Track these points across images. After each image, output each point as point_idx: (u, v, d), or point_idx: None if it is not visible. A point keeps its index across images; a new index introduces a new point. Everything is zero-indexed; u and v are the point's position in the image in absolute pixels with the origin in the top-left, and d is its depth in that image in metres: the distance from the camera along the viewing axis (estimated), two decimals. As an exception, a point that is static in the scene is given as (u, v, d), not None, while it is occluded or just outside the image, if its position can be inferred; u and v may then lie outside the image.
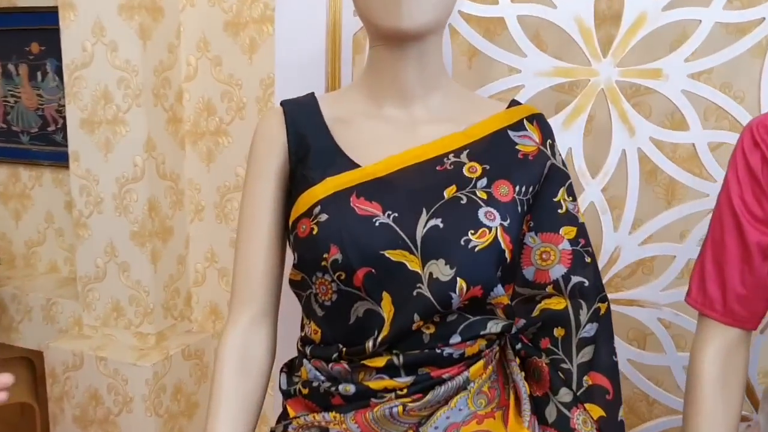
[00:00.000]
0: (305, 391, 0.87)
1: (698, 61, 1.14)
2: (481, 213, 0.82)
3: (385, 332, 0.80)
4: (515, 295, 0.91)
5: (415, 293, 0.79)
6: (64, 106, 1.91)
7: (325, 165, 0.87)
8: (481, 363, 0.84)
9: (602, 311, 0.91)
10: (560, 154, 0.95)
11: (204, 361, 2.05)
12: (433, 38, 0.89)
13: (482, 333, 0.83)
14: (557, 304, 0.90)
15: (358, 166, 0.86)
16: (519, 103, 0.97)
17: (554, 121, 1.16)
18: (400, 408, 0.80)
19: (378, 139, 0.89)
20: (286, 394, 0.91)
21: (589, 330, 0.90)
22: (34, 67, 2.13)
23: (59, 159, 2.11)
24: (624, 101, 1.17)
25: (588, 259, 0.92)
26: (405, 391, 0.81)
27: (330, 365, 0.85)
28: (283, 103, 0.94)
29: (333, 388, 0.84)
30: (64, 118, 1.99)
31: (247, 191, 0.93)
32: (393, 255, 0.80)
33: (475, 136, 0.90)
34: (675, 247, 1.21)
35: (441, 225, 0.80)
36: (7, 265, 2.31)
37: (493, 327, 0.84)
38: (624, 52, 1.15)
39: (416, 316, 0.79)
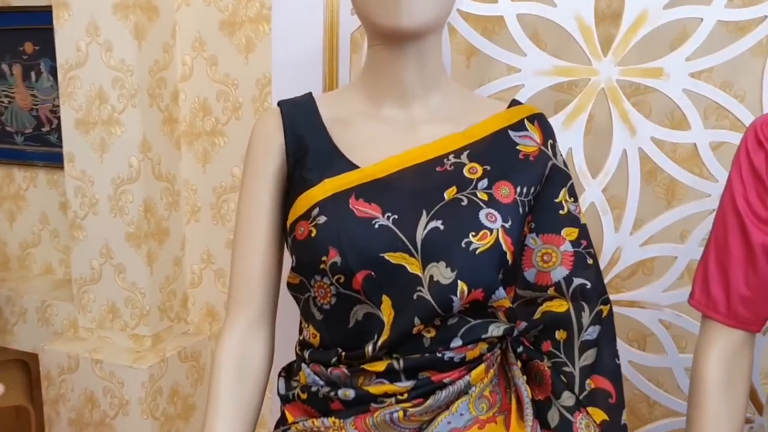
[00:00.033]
0: (304, 396, 0.86)
1: (699, 60, 1.13)
2: (482, 215, 0.81)
3: (385, 336, 0.79)
4: (516, 298, 0.90)
5: (415, 296, 0.78)
6: (58, 106, 1.89)
7: (324, 166, 0.85)
8: (482, 367, 0.83)
9: (604, 313, 0.90)
10: (561, 155, 0.94)
11: (201, 363, 2.04)
12: (433, 37, 0.87)
13: (484, 336, 0.82)
14: (559, 306, 0.89)
15: (356, 167, 0.85)
16: (519, 103, 0.95)
17: (554, 121, 1.14)
18: (401, 413, 0.79)
19: (377, 139, 0.88)
20: (285, 399, 0.90)
21: (592, 333, 0.89)
22: (28, 67, 2.12)
23: (54, 160, 2.09)
24: (625, 101, 1.16)
25: (590, 261, 0.90)
26: (405, 395, 0.80)
27: (329, 370, 0.83)
28: (281, 104, 0.93)
29: (332, 393, 0.83)
30: (58, 118, 1.97)
31: (244, 193, 0.91)
32: (393, 258, 0.78)
33: (475, 137, 0.89)
34: (676, 248, 1.20)
35: (441, 227, 0.79)
36: (1, 267, 2.29)
37: (495, 330, 0.83)
38: (625, 50, 1.14)
39: (417, 320, 0.78)
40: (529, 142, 0.90)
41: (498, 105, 0.95)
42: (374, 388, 0.81)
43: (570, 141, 1.18)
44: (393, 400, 0.80)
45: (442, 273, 0.78)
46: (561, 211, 0.90)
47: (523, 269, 0.90)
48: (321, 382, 0.85)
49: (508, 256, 0.81)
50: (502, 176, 0.85)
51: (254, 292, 0.90)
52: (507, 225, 0.81)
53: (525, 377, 0.89)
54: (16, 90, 2.15)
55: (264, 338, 0.91)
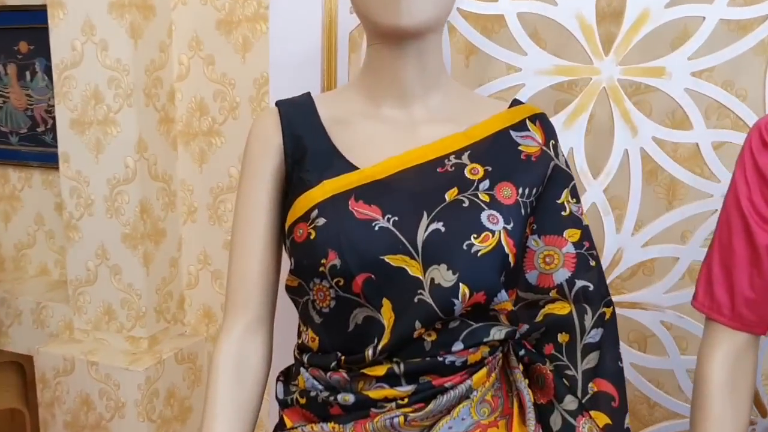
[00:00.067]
0: (303, 401, 0.85)
1: (702, 59, 1.12)
2: (483, 216, 0.79)
3: (385, 340, 0.78)
4: (518, 300, 0.89)
5: (416, 300, 0.77)
6: (53, 106, 1.89)
7: (323, 167, 0.84)
8: (484, 371, 0.82)
9: (607, 316, 0.89)
10: (563, 155, 0.93)
11: (197, 364, 2.02)
12: (433, 36, 0.86)
13: (485, 340, 0.81)
14: (561, 308, 0.88)
15: (356, 168, 0.83)
16: (521, 103, 0.94)
17: (555, 121, 1.13)
18: (401, 418, 0.78)
19: (376, 140, 0.87)
20: (283, 404, 0.88)
21: (594, 335, 0.88)
22: (23, 67, 2.10)
23: (49, 160, 2.09)
24: (626, 100, 1.15)
25: (592, 263, 0.89)
26: (406, 400, 0.79)
27: (328, 374, 0.82)
28: (279, 104, 0.92)
29: (331, 398, 0.81)
30: (53, 118, 1.96)
31: (242, 194, 0.90)
32: (393, 260, 0.77)
33: (476, 137, 0.87)
34: (678, 249, 1.19)
35: (442, 229, 0.78)
36: (-4, 268, 2.28)
37: (497, 334, 0.81)
38: (626, 49, 1.13)
39: (417, 323, 0.77)
40: (530, 142, 0.89)
41: (499, 105, 0.94)
42: (374, 393, 0.79)
43: (571, 141, 1.17)
44: (393, 404, 0.79)
45: (443, 276, 0.77)
46: (563, 213, 0.88)
47: (525, 271, 0.88)
48: (320, 387, 0.83)
49: (510, 259, 0.80)
50: (503, 177, 0.84)
51: (252, 295, 0.89)
52: (509, 227, 0.80)
53: (527, 381, 0.88)
54: (11, 90, 2.14)
55: (262, 341, 0.90)
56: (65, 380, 1.92)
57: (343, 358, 0.81)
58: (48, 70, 1.98)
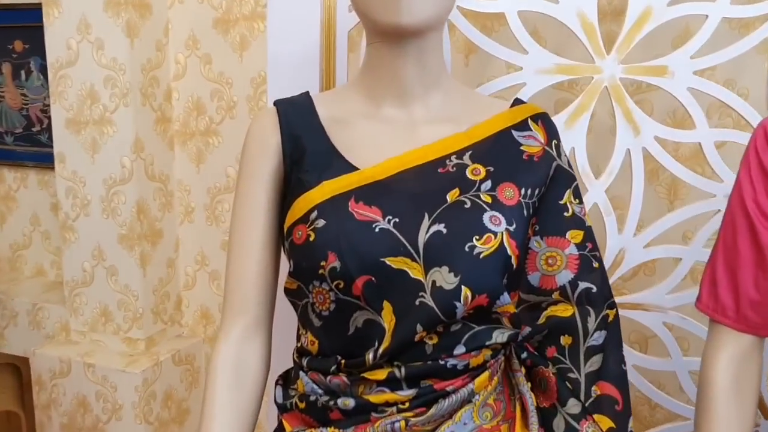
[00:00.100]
0: (302, 405, 0.83)
1: (705, 57, 1.11)
2: (485, 217, 0.78)
3: (386, 343, 0.77)
4: (520, 302, 0.88)
5: (417, 302, 0.75)
6: (49, 105, 1.87)
7: (322, 168, 0.83)
8: (486, 374, 0.81)
9: (611, 318, 0.88)
10: (566, 155, 0.92)
11: (195, 366, 2.01)
12: (434, 35, 0.85)
13: (488, 343, 0.79)
14: (564, 311, 0.87)
15: (356, 168, 0.82)
16: (522, 102, 0.93)
17: (556, 120, 1.11)
18: (402, 423, 0.77)
19: (376, 140, 0.85)
20: (282, 408, 0.87)
21: (598, 338, 0.86)
22: (18, 66, 2.09)
23: (44, 160, 2.07)
24: (628, 99, 1.14)
25: (595, 264, 0.88)
26: (407, 404, 0.78)
27: (328, 378, 0.81)
28: (277, 103, 0.90)
29: (331, 402, 0.80)
30: (49, 118, 1.95)
31: (240, 194, 0.89)
32: (394, 262, 0.76)
33: (477, 137, 0.86)
34: (681, 250, 1.18)
35: (444, 230, 0.77)
36: (-9, 269, 2.26)
37: (499, 337, 0.80)
38: (628, 48, 1.12)
39: (419, 327, 0.76)
40: (533, 142, 0.88)
41: (501, 104, 0.92)
42: (375, 397, 0.78)
43: (572, 141, 1.16)
44: (394, 409, 0.78)
45: (445, 278, 0.75)
46: (566, 213, 0.87)
47: (527, 273, 0.87)
48: (320, 391, 0.82)
49: (513, 260, 0.79)
50: (506, 177, 0.82)
51: (250, 297, 0.87)
52: (511, 228, 0.79)
53: (529, 384, 0.86)
54: (6, 89, 2.12)
55: (261, 343, 0.89)
56: (61, 382, 1.91)
57: (343, 361, 0.79)
58: (43, 69, 1.97)
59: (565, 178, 0.89)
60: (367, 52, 0.89)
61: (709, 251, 0.93)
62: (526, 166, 0.85)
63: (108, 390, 1.84)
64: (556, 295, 0.87)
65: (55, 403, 1.93)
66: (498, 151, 0.85)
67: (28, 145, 2.12)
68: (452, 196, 0.80)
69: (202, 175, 1.91)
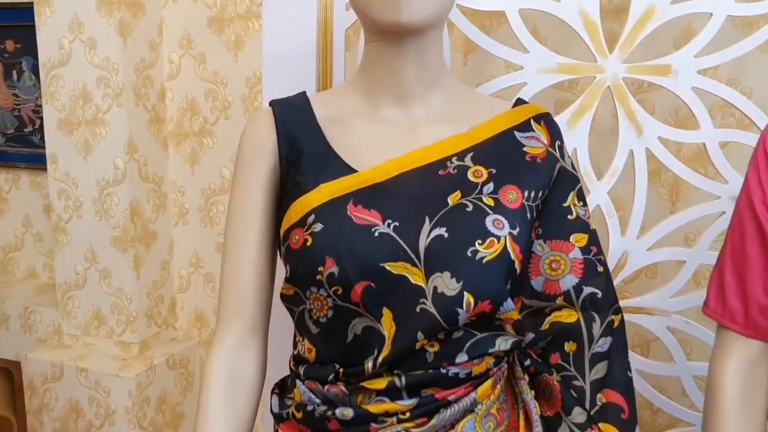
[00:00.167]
0: (299, 415, 0.81)
1: (708, 56, 1.09)
2: (488, 221, 0.76)
3: (385, 351, 0.74)
4: (523, 308, 0.85)
5: (418, 309, 0.73)
6: (41, 106, 1.84)
7: (319, 170, 0.80)
8: (489, 383, 0.79)
9: (616, 324, 0.86)
10: (569, 156, 0.89)
11: (189, 370, 1.98)
12: (434, 33, 0.82)
13: (490, 351, 0.77)
14: (568, 316, 0.84)
15: (354, 170, 0.80)
16: (524, 102, 0.91)
17: (558, 120, 1.09)
18: (403, 433, 0.74)
19: (375, 141, 0.83)
20: (279, 418, 0.85)
21: (603, 344, 0.84)
22: (10, 66, 2.06)
23: (37, 161, 2.05)
24: (631, 99, 1.11)
25: (600, 268, 0.86)
26: (408, 414, 0.76)
27: (326, 387, 0.79)
28: (273, 103, 0.88)
29: (329, 412, 0.78)
30: (41, 118, 1.92)
31: (234, 197, 0.86)
32: (394, 268, 0.73)
33: (479, 138, 0.84)
34: (685, 252, 1.16)
35: (446, 235, 0.74)
36: (-17, 272, 2.23)
37: (503, 344, 0.78)
38: (631, 47, 1.10)
39: (420, 334, 0.73)
40: (535, 143, 0.85)
41: (502, 104, 0.90)
42: (374, 407, 0.76)
43: (575, 141, 1.14)
44: (394, 419, 0.76)
45: (446, 284, 0.73)
46: (570, 216, 0.85)
47: (530, 277, 0.85)
48: (317, 401, 0.80)
49: (517, 265, 0.76)
50: (508, 180, 0.80)
51: (245, 302, 0.85)
52: (515, 232, 0.77)
53: (533, 392, 0.84)
54: (-3, 89, 2.09)
55: (256, 350, 0.86)
56: (54, 387, 1.88)
57: (341, 370, 0.77)
58: (35, 69, 1.95)
59: (568, 180, 0.86)
60: (365, 51, 0.87)
61: (713, 254, 0.91)
62: (529, 168, 0.83)
63: (101, 394, 1.81)
64: (560, 301, 0.84)
65: (47, 408, 1.91)
66: (500, 152, 0.83)
67: (19, 145, 2.09)
68: (454, 198, 0.77)
69: (196, 176, 1.88)
